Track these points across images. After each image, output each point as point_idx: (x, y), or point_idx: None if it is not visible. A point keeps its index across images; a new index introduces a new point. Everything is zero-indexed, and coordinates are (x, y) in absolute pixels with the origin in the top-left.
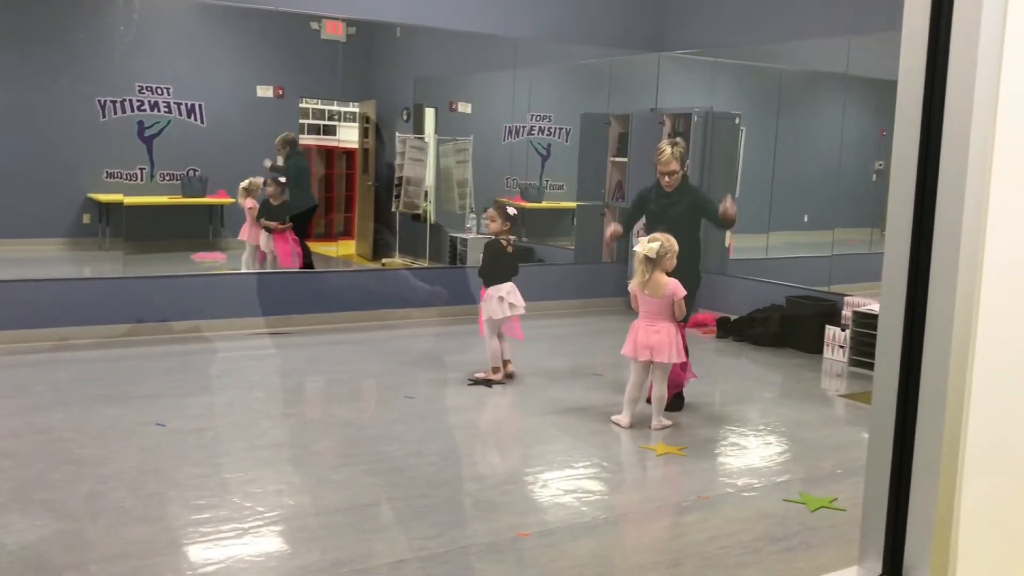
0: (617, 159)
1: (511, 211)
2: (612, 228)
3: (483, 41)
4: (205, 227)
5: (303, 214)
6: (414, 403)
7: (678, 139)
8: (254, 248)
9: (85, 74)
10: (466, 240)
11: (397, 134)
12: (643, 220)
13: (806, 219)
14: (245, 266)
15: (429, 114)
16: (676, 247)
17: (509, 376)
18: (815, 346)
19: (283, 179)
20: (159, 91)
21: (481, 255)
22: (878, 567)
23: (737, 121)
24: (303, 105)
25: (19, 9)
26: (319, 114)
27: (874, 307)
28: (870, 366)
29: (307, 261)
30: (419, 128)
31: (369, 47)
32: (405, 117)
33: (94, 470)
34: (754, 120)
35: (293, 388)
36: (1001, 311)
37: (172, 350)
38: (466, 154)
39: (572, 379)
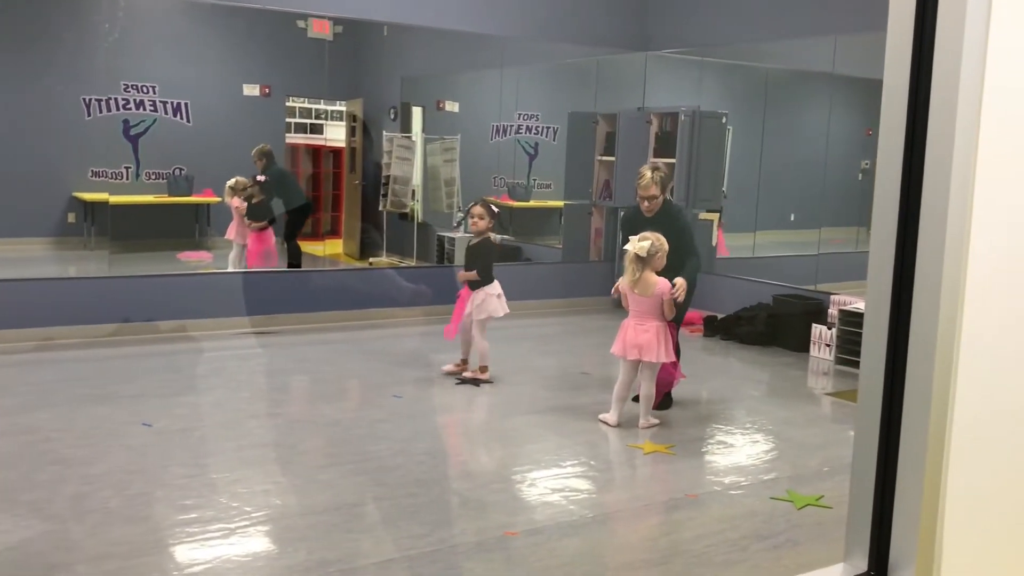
0: (604, 158)
1: (495, 208)
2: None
3: (470, 40)
4: (191, 226)
5: (296, 213)
6: (401, 402)
7: (659, 164)
8: (241, 247)
9: (70, 72)
10: (454, 239)
11: (384, 133)
12: None
13: (792, 218)
14: (232, 265)
15: (416, 113)
16: (666, 246)
17: (468, 377)
18: (802, 344)
19: (261, 178)
20: (144, 89)
21: (474, 256)
22: (864, 564)
23: (724, 120)
24: (290, 104)
25: (2, 8)
26: (306, 113)
27: (860, 306)
28: (856, 364)
29: (296, 261)
30: (406, 127)
31: (356, 46)
32: (392, 116)
33: (80, 470)
34: (741, 119)
35: (280, 388)
36: (985, 309)
37: (158, 350)
38: (453, 153)
39: (560, 378)
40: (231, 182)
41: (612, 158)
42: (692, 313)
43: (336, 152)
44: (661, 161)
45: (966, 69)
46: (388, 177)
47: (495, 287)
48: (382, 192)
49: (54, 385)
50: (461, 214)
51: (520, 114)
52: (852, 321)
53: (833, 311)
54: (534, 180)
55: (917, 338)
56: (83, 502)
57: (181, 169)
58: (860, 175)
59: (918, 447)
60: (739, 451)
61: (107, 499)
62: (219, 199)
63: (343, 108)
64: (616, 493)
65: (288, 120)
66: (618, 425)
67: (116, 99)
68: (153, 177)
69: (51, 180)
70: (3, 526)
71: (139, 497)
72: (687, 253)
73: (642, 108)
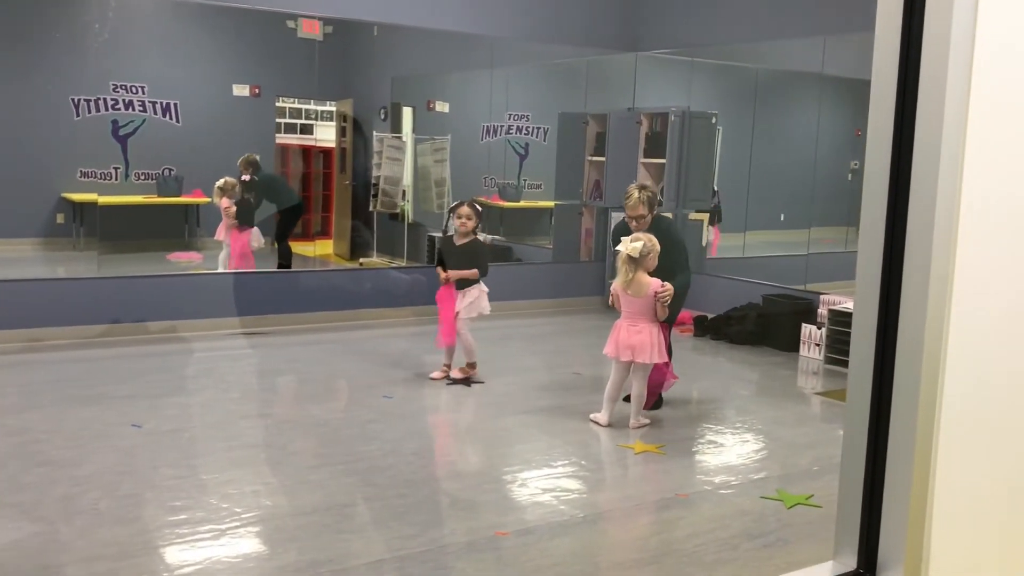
0: (595, 158)
1: (479, 208)
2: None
3: (460, 40)
4: (181, 227)
5: (287, 213)
6: (392, 403)
7: (647, 184)
8: (230, 248)
9: (59, 72)
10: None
11: (375, 133)
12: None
13: (782, 218)
14: (221, 266)
15: (407, 113)
16: (658, 247)
17: (459, 377)
18: (791, 344)
19: (245, 177)
20: (134, 90)
21: (472, 254)
22: (853, 562)
23: (714, 120)
24: (280, 104)
25: None
26: (296, 113)
27: (850, 305)
28: (846, 364)
29: (287, 262)
30: (397, 127)
31: (346, 46)
32: (383, 116)
33: (69, 472)
34: (731, 120)
35: (270, 388)
36: (973, 309)
37: (148, 351)
38: (444, 153)
39: (550, 378)
40: (220, 183)
41: (602, 158)
42: (682, 313)
43: (326, 152)
44: (651, 161)
45: (953, 70)
46: (379, 177)
47: (483, 284)
48: (372, 192)
49: (43, 386)
50: (448, 214)
51: (510, 114)
52: (841, 321)
53: (823, 311)
54: (524, 180)
55: (905, 337)
56: (72, 503)
57: (170, 170)
58: (849, 175)
59: (906, 446)
60: (729, 451)
61: (96, 500)
62: (208, 200)
63: (333, 108)
64: (607, 493)
65: (278, 120)
66: (609, 425)
67: (105, 99)
68: (142, 178)
69: (39, 180)
70: None
71: (129, 498)
72: (678, 269)
73: (632, 108)
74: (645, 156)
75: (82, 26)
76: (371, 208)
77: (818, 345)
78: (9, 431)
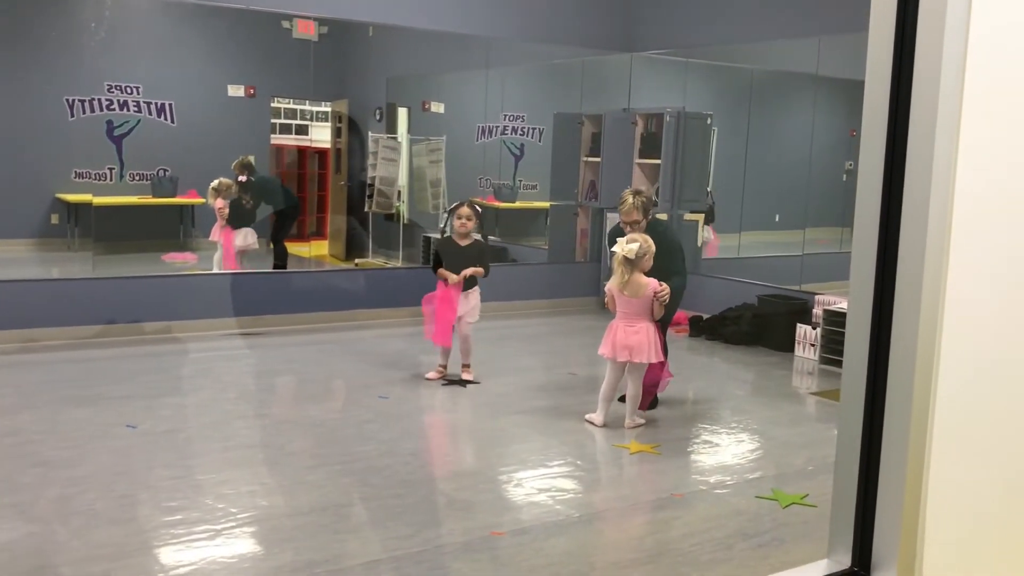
0: (590, 159)
1: (479, 208)
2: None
3: (456, 41)
4: (176, 227)
5: (283, 214)
6: (388, 403)
7: (642, 189)
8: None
9: (53, 73)
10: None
11: (370, 134)
12: None
13: (777, 219)
14: (216, 266)
15: (402, 114)
16: (654, 247)
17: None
18: (786, 344)
19: (242, 178)
20: (128, 90)
21: (477, 255)
22: (847, 560)
23: (709, 121)
24: (275, 104)
25: None
26: (291, 114)
27: (844, 305)
28: (841, 364)
29: (282, 262)
30: (392, 128)
31: (341, 46)
32: (378, 117)
33: (64, 472)
34: (726, 120)
35: (266, 389)
36: (966, 309)
37: (143, 351)
38: (439, 154)
39: (546, 378)
40: (214, 183)
41: (598, 159)
42: (678, 313)
43: (321, 153)
44: (647, 162)
45: (946, 70)
46: (374, 178)
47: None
48: (368, 193)
49: (37, 387)
50: (447, 215)
51: (506, 115)
52: (836, 321)
53: (817, 311)
54: (520, 181)
55: (899, 338)
56: (68, 504)
57: (165, 170)
58: (844, 176)
59: (900, 445)
60: (724, 450)
61: (92, 501)
62: (203, 200)
63: (328, 109)
64: (602, 493)
65: (273, 121)
66: (604, 425)
67: (100, 100)
68: (137, 178)
69: (34, 181)
70: None
71: (124, 499)
72: (675, 271)
73: (627, 109)
74: (640, 157)
75: (77, 26)
76: (366, 209)
77: (813, 345)
78: (4, 432)
